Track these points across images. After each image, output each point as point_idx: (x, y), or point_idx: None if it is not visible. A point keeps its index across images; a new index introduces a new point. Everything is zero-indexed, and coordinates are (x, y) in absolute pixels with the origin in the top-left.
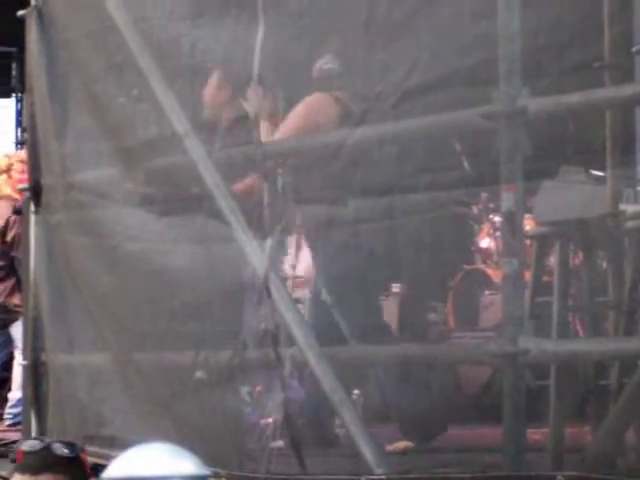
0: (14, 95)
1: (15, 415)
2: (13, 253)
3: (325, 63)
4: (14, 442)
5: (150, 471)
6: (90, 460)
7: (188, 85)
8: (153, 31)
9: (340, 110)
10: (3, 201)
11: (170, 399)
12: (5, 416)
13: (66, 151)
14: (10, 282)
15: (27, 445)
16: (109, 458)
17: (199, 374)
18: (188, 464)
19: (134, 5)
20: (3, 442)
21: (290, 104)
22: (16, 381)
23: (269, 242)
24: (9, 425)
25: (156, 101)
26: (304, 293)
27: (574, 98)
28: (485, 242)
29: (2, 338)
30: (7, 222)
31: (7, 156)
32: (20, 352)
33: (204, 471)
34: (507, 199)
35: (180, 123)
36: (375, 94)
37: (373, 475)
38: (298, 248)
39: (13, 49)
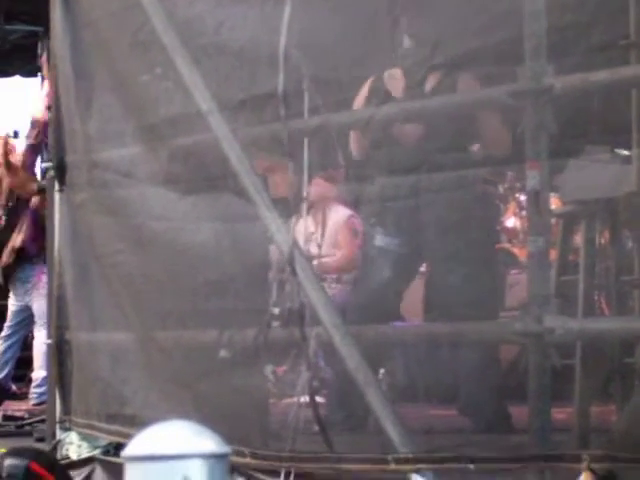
0: (40, 74)
1: (40, 394)
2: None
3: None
4: (40, 421)
5: (170, 449)
6: (113, 439)
7: (213, 63)
8: (178, 9)
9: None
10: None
11: (194, 378)
12: (30, 395)
13: (90, 129)
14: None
15: None
16: (131, 437)
17: (223, 353)
18: (208, 442)
19: None
20: (28, 421)
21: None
22: (37, 359)
23: (294, 220)
24: (35, 404)
25: (180, 79)
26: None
27: (600, 76)
28: (511, 221)
29: (24, 314)
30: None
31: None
32: (39, 328)
33: (224, 449)
34: (532, 177)
35: (204, 101)
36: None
37: (399, 454)
38: (323, 227)
39: (39, 28)
